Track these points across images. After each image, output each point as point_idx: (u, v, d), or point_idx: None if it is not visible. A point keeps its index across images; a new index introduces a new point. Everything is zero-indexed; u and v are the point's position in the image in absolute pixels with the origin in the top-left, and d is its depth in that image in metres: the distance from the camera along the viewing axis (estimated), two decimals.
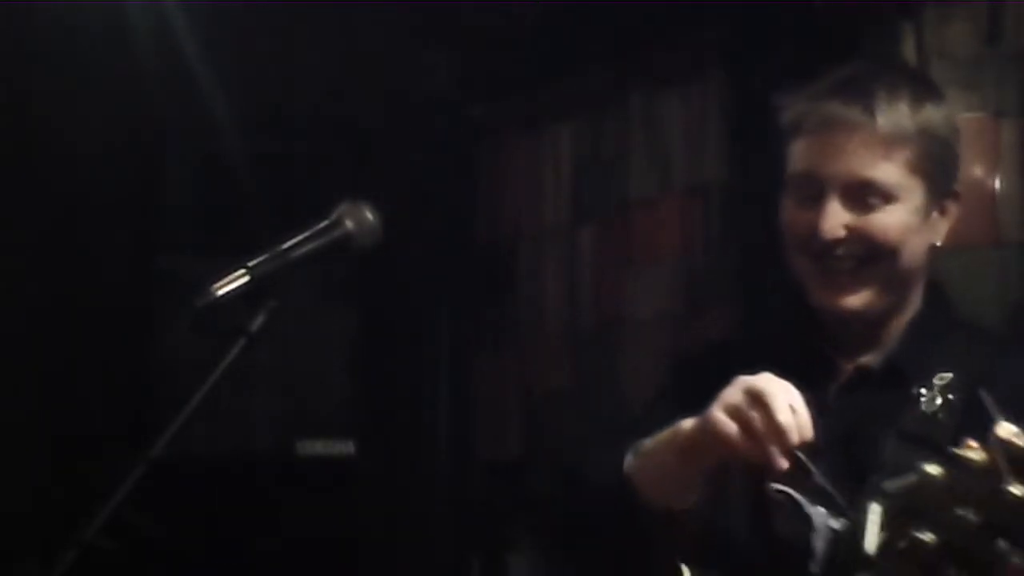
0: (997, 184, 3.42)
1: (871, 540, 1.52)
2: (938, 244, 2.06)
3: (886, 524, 1.52)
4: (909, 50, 3.50)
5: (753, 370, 1.83)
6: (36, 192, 4.17)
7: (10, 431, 4.02)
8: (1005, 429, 1.37)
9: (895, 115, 1.97)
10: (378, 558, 4.31)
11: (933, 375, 1.90)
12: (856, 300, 1.99)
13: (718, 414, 1.79)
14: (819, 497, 1.70)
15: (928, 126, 2.00)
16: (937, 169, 2.02)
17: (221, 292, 1.84)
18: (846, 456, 1.83)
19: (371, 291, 4.32)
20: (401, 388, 4.36)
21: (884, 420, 1.88)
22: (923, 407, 1.88)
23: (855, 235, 1.97)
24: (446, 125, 4.31)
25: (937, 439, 1.76)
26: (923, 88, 2.07)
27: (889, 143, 1.96)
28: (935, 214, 2.03)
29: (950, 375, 1.88)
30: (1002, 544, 1.36)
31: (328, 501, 4.25)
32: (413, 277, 4.33)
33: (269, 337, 1.88)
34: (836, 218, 1.96)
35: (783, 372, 1.83)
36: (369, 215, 1.97)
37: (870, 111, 1.97)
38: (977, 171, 3.45)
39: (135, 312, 4.30)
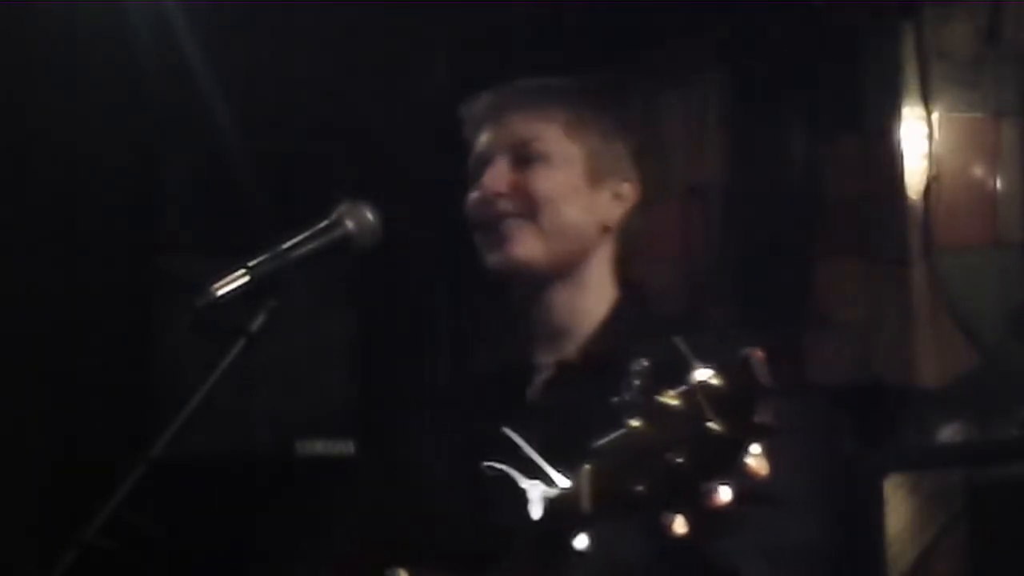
0: (997, 184, 3.42)
1: (585, 499, 1.57)
2: (609, 226, 2.13)
3: (598, 480, 1.56)
4: (909, 50, 3.50)
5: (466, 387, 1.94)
6: (36, 192, 4.16)
7: (10, 431, 4.01)
8: (700, 372, 1.42)
9: (549, 97, 2.16)
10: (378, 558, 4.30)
11: (631, 364, 1.96)
12: (520, 250, 2.07)
13: None
14: (532, 470, 1.73)
15: (580, 110, 2.15)
16: (598, 145, 2.13)
17: (221, 292, 1.84)
18: (559, 447, 1.85)
19: (371, 291, 4.32)
20: (401, 388, 4.36)
21: (588, 412, 1.93)
22: (624, 396, 1.94)
23: (515, 189, 2.08)
24: (446, 125, 4.31)
25: None
26: (577, 89, 2.23)
27: (545, 112, 2.12)
28: (607, 194, 2.13)
29: (646, 363, 1.93)
30: (704, 480, 1.42)
31: (328, 501, 4.24)
32: (413, 277, 4.33)
33: (269, 337, 1.88)
34: (499, 174, 2.09)
35: (488, 380, 2.00)
36: (369, 215, 1.98)
37: (527, 96, 2.15)
38: (977, 171, 3.46)
39: (135, 312, 4.30)
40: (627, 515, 1.51)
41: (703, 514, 1.42)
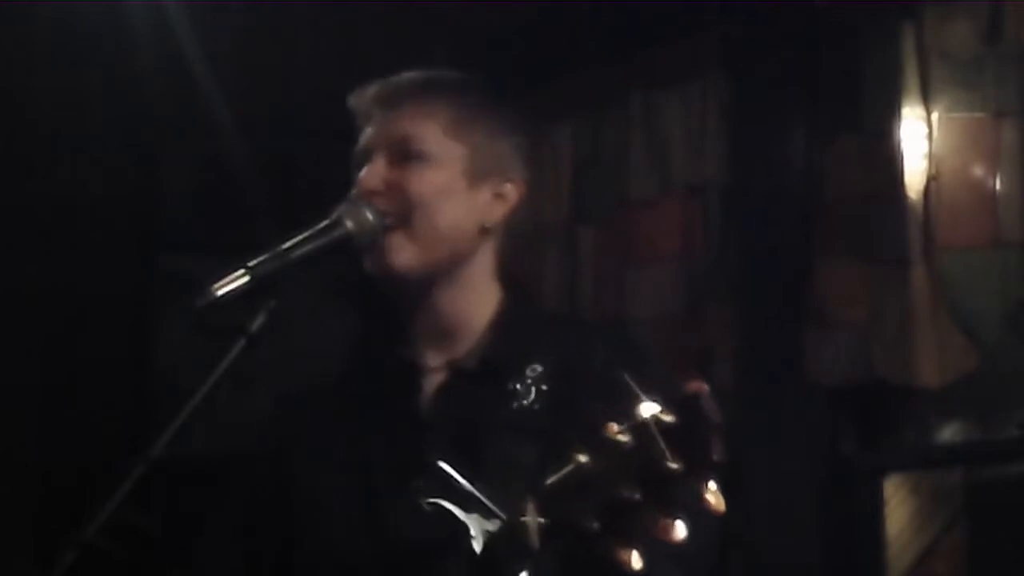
0: (997, 184, 3.42)
1: (533, 534, 1.54)
2: (488, 227, 2.07)
3: (547, 515, 1.53)
4: (909, 50, 3.50)
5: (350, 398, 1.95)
6: (36, 192, 4.17)
7: (10, 431, 4.02)
8: (648, 408, 1.41)
9: (438, 92, 2.08)
10: None
11: (525, 368, 1.95)
12: (398, 257, 2.01)
13: None
14: (470, 503, 1.71)
15: (467, 107, 2.08)
16: (481, 142, 2.07)
17: (221, 292, 1.84)
18: (459, 455, 1.84)
19: (371, 291, 4.31)
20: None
21: (486, 417, 1.94)
22: (520, 400, 1.93)
23: (391, 188, 2.01)
24: None
25: (537, 429, 1.84)
26: (470, 85, 2.16)
27: (429, 109, 2.05)
28: (487, 194, 2.07)
29: (540, 367, 1.92)
30: (662, 515, 1.41)
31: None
32: None
33: (269, 337, 1.88)
34: (376, 172, 2.03)
35: (375, 388, 1.97)
36: (369, 215, 1.97)
37: (414, 89, 2.09)
38: (977, 171, 3.46)
39: (135, 312, 4.30)
40: (575, 551, 1.48)
41: (657, 550, 1.42)
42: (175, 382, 3.99)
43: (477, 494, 1.71)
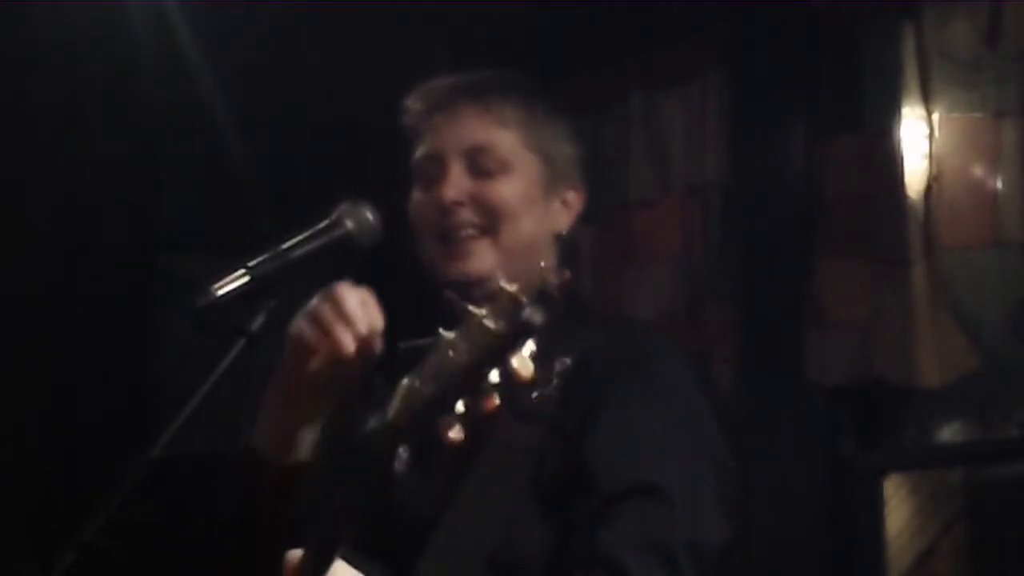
0: (997, 184, 3.42)
1: (393, 410, 1.62)
2: (563, 234, 2.13)
3: (408, 395, 1.60)
4: (909, 50, 3.50)
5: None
6: (36, 192, 4.16)
7: (10, 431, 4.02)
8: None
9: (505, 97, 2.09)
10: None
11: (555, 361, 1.98)
12: (477, 263, 2.04)
13: (296, 320, 1.88)
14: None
15: (535, 114, 2.11)
16: (552, 151, 2.11)
17: (221, 292, 1.84)
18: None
19: (371, 291, 4.31)
20: None
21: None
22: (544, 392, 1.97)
23: (475, 200, 2.04)
24: None
25: (547, 417, 1.85)
26: (531, 90, 2.18)
27: (501, 116, 2.08)
28: (557, 203, 2.12)
29: (568, 360, 1.95)
30: (480, 379, 1.45)
31: None
32: (413, 277, 4.32)
33: (269, 337, 1.88)
34: (458, 183, 2.05)
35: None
36: (369, 215, 1.97)
37: (481, 93, 2.09)
38: (977, 171, 3.46)
39: (135, 312, 4.30)
40: (426, 425, 1.52)
41: (478, 420, 1.45)
42: (175, 382, 3.99)
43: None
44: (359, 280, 1.96)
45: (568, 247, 2.17)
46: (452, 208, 2.04)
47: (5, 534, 3.95)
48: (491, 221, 2.04)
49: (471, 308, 1.47)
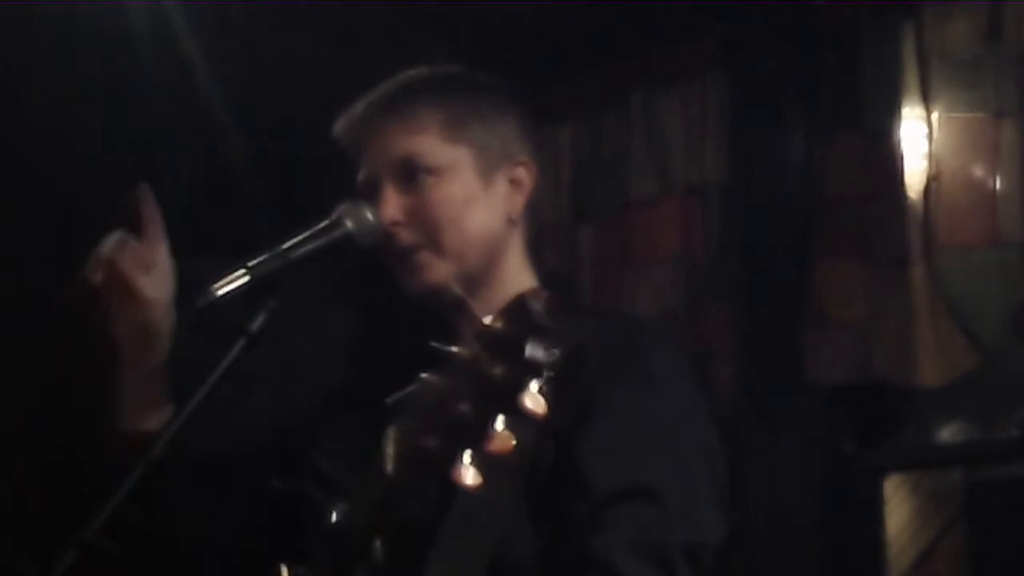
0: (997, 184, 3.42)
1: (388, 461, 1.51)
2: (514, 217, 2.06)
3: (400, 442, 1.51)
4: (909, 50, 3.50)
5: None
6: (36, 192, 4.16)
7: (10, 431, 4.02)
8: (487, 319, 1.40)
9: (417, 100, 2.03)
10: None
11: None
12: (430, 276, 2.00)
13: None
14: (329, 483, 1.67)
15: (453, 108, 2.04)
16: (482, 138, 2.04)
17: (221, 292, 1.84)
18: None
19: (371, 291, 4.31)
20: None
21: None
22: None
23: (411, 215, 2.00)
24: None
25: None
26: (448, 81, 2.11)
27: (416, 121, 2.02)
28: (502, 186, 2.05)
29: (557, 351, 1.93)
30: (486, 424, 1.39)
31: None
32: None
33: (269, 337, 1.88)
34: (392, 202, 2.00)
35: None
36: (369, 215, 1.98)
37: (394, 105, 2.04)
38: (977, 171, 3.46)
39: None
40: (428, 474, 1.45)
41: (489, 462, 1.39)
42: (175, 382, 3.98)
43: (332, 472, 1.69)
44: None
45: (535, 225, 2.13)
46: (392, 229, 2.00)
47: (5, 534, 3.95)
48: (429, 233, 2.00)
49: (462, 351, 1.40)
